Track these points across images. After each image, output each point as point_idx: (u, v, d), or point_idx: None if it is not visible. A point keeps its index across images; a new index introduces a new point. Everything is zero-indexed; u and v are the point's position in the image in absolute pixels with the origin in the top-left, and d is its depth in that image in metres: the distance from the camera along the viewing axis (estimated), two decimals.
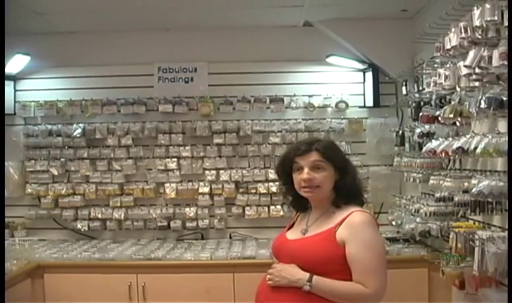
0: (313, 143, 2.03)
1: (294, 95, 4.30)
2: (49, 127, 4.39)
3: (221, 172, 4.31)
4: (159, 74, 4.38)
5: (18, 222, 4.37)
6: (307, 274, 1.89)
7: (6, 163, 4.36)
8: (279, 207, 4.26)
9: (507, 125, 2.34)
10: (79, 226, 4.35)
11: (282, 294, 1.93)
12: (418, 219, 3.37)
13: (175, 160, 4.32)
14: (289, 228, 2.20)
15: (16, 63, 4.26)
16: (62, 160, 4.37)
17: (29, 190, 4.39)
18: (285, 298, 1.92)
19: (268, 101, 4.29)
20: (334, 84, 4.34)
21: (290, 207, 2.20)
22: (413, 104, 3.59)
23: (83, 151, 4.35)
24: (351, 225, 1.91)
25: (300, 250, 1.98)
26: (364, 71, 4.34)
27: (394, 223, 3.91)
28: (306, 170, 1.98)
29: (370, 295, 1.84)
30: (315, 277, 1.88)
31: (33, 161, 4.38)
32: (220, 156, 4.31)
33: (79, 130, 4.35)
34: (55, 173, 4.36)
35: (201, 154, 4.31)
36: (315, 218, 2.05)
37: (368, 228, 1.91)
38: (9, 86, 4.38)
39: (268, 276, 2.00)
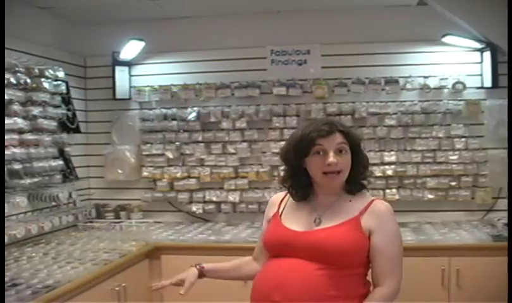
0: (334, 124, 1.87)
1: (410, 76, 4.21)
2: (164, 111, 4.44)
3: None
4: (272, 57, 4.37)
5: (134, 204, 4.49)
6: None
7: (122, 147, 4.48)
8: (394, 190, 4.17)
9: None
10: (194, 208, 4.40)
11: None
12: None
13: None
14: (276, 218, 1.98)
15: (130, 49, 4.33)
16: (177, 143, 4.41)
17: (145, 173, 4.47)
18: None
19: (383, 83, 4.21)
20: (451, 65, 4.21)
21: (294, 195, 2.00)
22: None
23: (198, 135, 4.39)
24: (377, 214, 1.82)
25: (326, 241, 1.78)
26: (482, 51, 4.19)
27: None
28: (331, 153, 1.82)
29: (395, 290, 1.80)
30: None
31: (148, 145, 4.45)
32: None
33: (193, 114, 4.38)
34: (171, 156, 4.42)
35: None
36: (325, 207, 1.89)
37: (393, 218, 1.85)
38: (124, 72, 4.46)
39: None
